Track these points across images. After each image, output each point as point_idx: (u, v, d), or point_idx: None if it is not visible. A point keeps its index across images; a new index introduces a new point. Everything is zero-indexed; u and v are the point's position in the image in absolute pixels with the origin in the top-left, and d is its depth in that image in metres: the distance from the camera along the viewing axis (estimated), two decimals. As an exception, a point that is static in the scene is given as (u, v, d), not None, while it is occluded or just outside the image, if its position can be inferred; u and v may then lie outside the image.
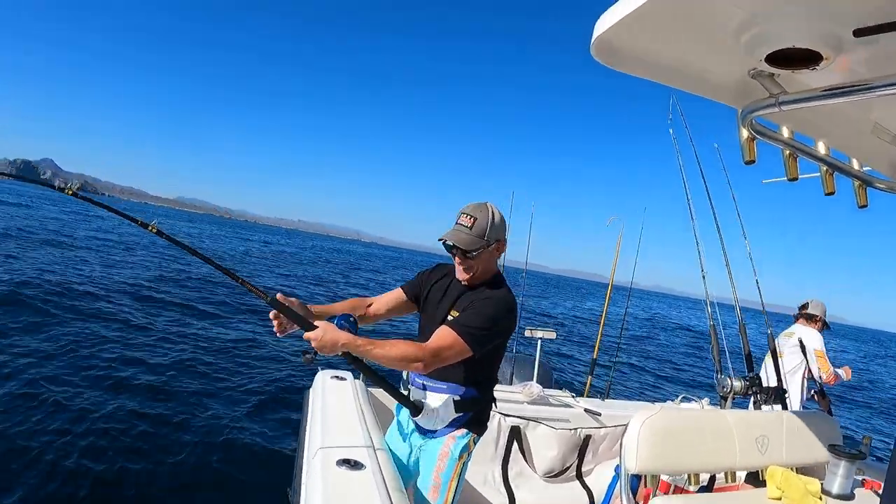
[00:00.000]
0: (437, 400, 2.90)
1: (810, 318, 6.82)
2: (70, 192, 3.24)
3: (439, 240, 2.82)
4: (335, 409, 3.14)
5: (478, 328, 2.67)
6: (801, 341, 6.66)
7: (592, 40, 1.36)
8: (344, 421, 2.97)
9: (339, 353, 2.65)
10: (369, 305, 3.15)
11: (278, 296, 2.78)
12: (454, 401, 2.86)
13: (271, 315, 2.76)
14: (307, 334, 2.61)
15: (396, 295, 3.17)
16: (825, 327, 6.92)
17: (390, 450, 2.94)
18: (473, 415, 2.90)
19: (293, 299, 2.83)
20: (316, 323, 2.67)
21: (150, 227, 3.13)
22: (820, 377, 6.56)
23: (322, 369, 3.95)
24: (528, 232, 8.26)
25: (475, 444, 2.93)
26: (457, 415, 2.87)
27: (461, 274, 2.89)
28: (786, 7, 1.21)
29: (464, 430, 2.88)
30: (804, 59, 1.36)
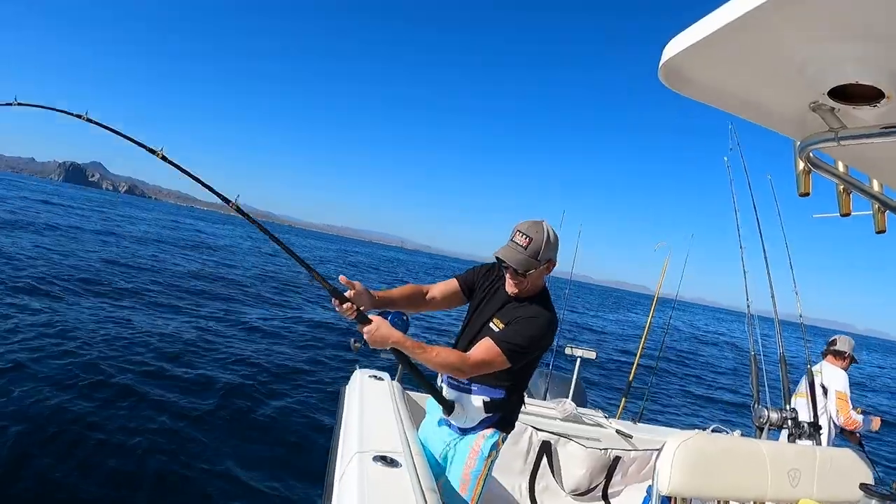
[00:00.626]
0: (469, 400, 3.00)
1: (838, 355, 6.73)
2: (84, 118, 3.38)
3: (494, 255, 2.91)
4: (372, 408, 3.19)
5: (519, 346, 2.78)
6: (823, 386, 6.54)
7: (660, 64, 1.38)
8: (381, 419, 3.02)
9: (388, 349, 2.81)
10: (426, 293, 3.25)
11: (341, 278, 2.89)
12: (484, 402, 2.95)
13: (335, 303, 2.88)
14: (362, 327, 2.79)
15: (451, 286, 3.26)
16: (853, 362, 6.84)
17: (423, 445, 3.03)
18: (503, 415, 3.00)
19: (356, 283, 2.93)
20: (371, 317, 2.82)
21: (157, 153, 3.26)
22: (838, 419, 6.45)
23: (360, 367, 4.01)
24: (574, 245, 8.27)
25: (503, 442, 3.04)
26: (487, 415, 2.96)
27: (510, 287, 2.95)
28: (852, 43, 1.22)
29: (493, 430, 2.98)
30: (866, 96, 1.37)
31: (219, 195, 3.25)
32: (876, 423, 6.75)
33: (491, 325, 2.92)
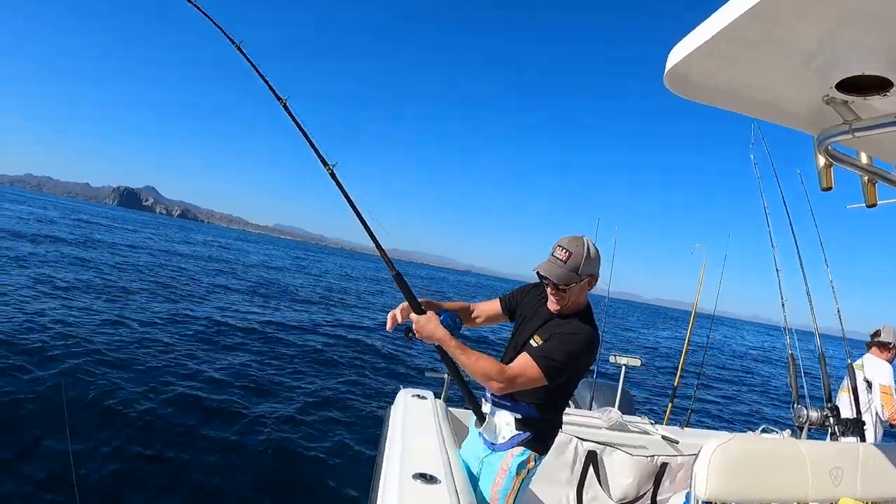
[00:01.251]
0: (501, 415, 3.01)
1: (883, 347, 6.47)
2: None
3: (534, 269, 2.92)
4: (415, 426, 3.22)
5: (557, 362, 2.75)
6: (866, 381, 6.33)
7: (665, 72, 1.39)
8: (422, 437, 3.05)
9: (434, 345, 2.92)
10: (472, 311, 3.34)
11: (421, 301, 3.05)
12: (516, 419, 2.95)
13: (390, 315, 3.03)
14: (414, 316, 2.93)
15: (494, 306, 3.33)
16: None
17: (463, 462, 3.04)
18: (533, 434, 2.95)
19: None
20: (427, 310, 2.95)
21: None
22: (883, 414, 6.24)
23: (403, 388, 4.05)
24: (611, 259, 8.24)
25: (535, 462, 2.97)
26: (517, 432, 2.95)
27: (552, 304, 2.95)
28: (853, 35, 1.23)
29: (522, 448, 2.93)
30: (875, 86, 1.37)
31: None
32: None
33: (532, 342, 2.90)
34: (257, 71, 3.53)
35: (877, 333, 6.62)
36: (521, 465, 2.93)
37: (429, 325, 2.87)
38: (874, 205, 2.04)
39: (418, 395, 3.86)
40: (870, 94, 1.40)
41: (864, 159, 1.94)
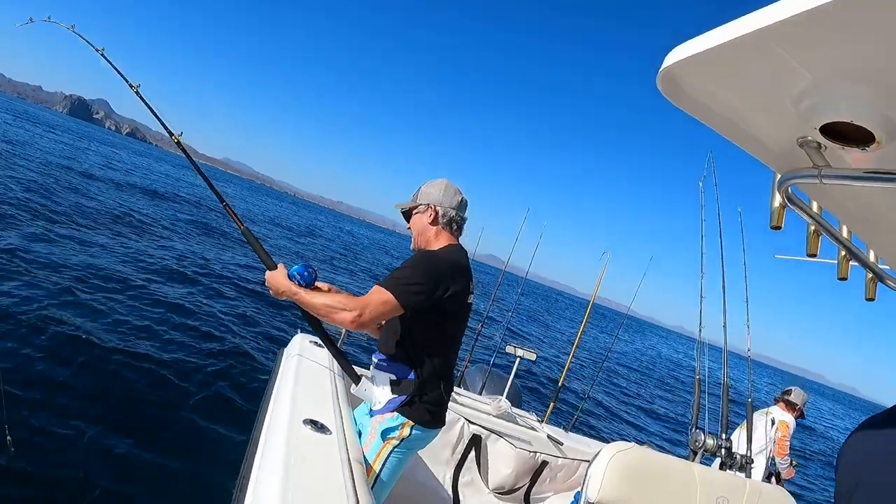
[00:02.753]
0: (379, 378, 2.97)
1: (789, 405, 7.04)
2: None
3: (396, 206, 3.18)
4: (308, 372, 3.14)
5: (399, 277, 2.78)
6: (773, 420, 6.80)
7: (660, 70, 1.36)
8: (316, 385, 2.98)
9: (283, 298, 2.87)
10: None
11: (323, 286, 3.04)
12: (391, 380, 2.91)
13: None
14: (267, 273, 2.92)
15: None
16: (801, 417, 7.13)
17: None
18: (409, 398, 2.88)
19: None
20: (278, 265, 2.95)
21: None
22: (775, 435, 6.75)
23: (301, 332, 3.95)
24: (536, 244, 8.36)
25: (412, 432, 2.89)
26: (391, 396, 2.90)
27: (412, 243, 3.13)
28: (854, 83, 1.21)
29: (395, 413, 2.87)
30: (856, 138, 1.36)
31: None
32: (790, 472, 7.03)
33: None
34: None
35: (787, 392, 7.23)
36: (389, 432, 2.86)
37: (274, 278, 2.87)
38: (814, 255, 2.05)
39: (315, 343, 3.76)
40: (850, 144, 1.39)
41: (815, 208, 1.95)
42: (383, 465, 2.87)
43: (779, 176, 1.72)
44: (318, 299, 2.75)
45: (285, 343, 3.86)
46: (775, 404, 7.13)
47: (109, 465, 4.98)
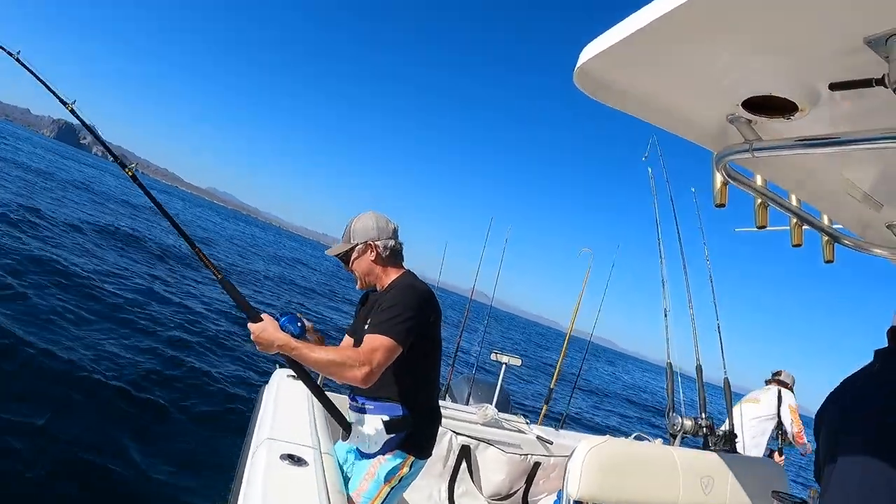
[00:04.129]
0: (369, 422, 2.84)
1: (783, 385, 7.15)
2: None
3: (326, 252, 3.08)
4: (287, 407, 3.13)
5: (390, 318, 2.66)
6: (779, 392, 6.90)
7: (575, 68, 1.37)
8: (294, 419, 2.96)
9: (277, 353, 2.65)
10: None
11: (308, 326, 3.01)
12: (384, 421, 2.78)
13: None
14: (250, 325, 2.66)
15: (347, 341, 3.17)
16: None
17: (337, 457, 2.92)
18: (407, 435, 2.80)
19: (316, 334, 3.07)
20: (262, 316, 2.71)
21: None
22: (792, 428, 6.84)
23: (280, 367, 3.94)
24: (502, 257, 8.30)
25: (412, 468, 2.84)
26: (389, 436, 2.78)
27: (357, 284, 3.05)
28: (766, 56, 1.23)
29: (396, 451, 2.80)
30: (781, 108, 1.38)
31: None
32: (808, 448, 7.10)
33: (366, 327, 2.79)
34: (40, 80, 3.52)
35: (778, 373, 7.41)
36: (392, 472, 2.79)
37: (265, 332, 2.62)
38: (764, 227, 2.08)
39: (293, 376, 3.75)
40: (774, 115, 1.41)
41: (759, 182, 1.98)
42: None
43: (715, 154, 1.75)
44: (322, 356, 2.56)
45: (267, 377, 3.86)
46: (768, 385, 7.27)
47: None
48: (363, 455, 2.89)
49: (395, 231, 3.05)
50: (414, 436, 2.84)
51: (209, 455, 6.20)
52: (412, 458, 2.83)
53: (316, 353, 2.57)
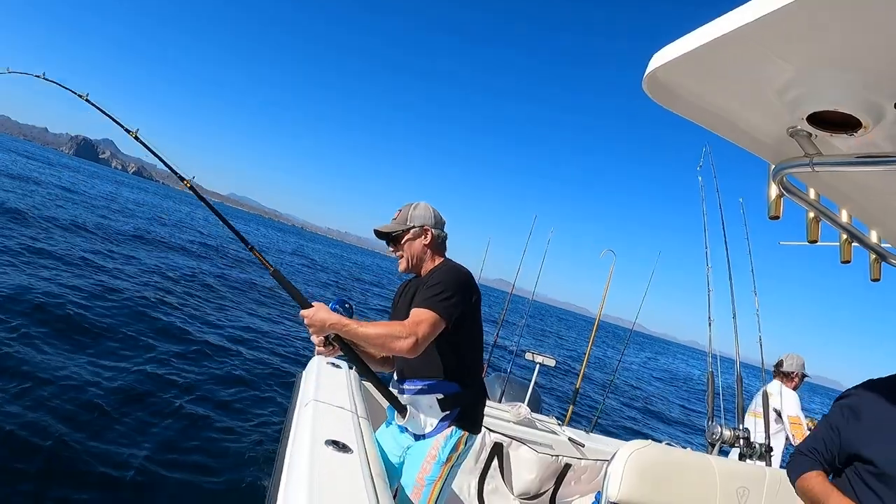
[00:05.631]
0: (422, 402, 2.96)
1: (786, 377, 6.45)
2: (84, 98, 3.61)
3: (373, 230, 3.19)
4: (327, 394, 3.16)
5: (435, 295, 2.80)
6: (776, 411, 6.42)
7: (645, 74, 1.39)
8: (335, 406, 3.00)
9: (330, 336, 2.91)
10: None
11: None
12: (438, 399, 2.90)
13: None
14: (302, 311, 2.85)
15: None
16: (802, 381, 6.55)
17: (380, 447, 2.97)
18: (461, 410, 2.91)
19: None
20: (312, 303, 2.89)
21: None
22: (794, 442, 6.38)
23: (318, 354, 3.98)
24: (543, 259, 8.29)
25: (466, 443, 2.93)
26: (444, 413, 2.90)
27: (400, 265, 3.13)
28: (834, 70, 1.24)
29: (453, 428, 2.89)
30: (844, 124, 1.39)
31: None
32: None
33: (411, 305, 2.92)
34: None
35: (780, 364, 6.65)
36: (453, 449, 2.87)
37: (318, 314, 2.82)
38: (815, 241, 2.08)
39: (332, 364, 3.79)
40: (838, 131, 1.42)
41: (812, 195, 1.98)
42: (443, 485, 2.89)
43: (773, 167, 1.76)
44: (371, 329, 2.73)
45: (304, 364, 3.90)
46: (773, 380, 6.72)
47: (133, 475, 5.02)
48: (418, 438, 2.98)
49: (444, 224, 3.19)
50: (466, 411, 2.94)
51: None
52: (466, 434, 2.92)
53: (365, 328, 2.74)
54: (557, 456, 4.69)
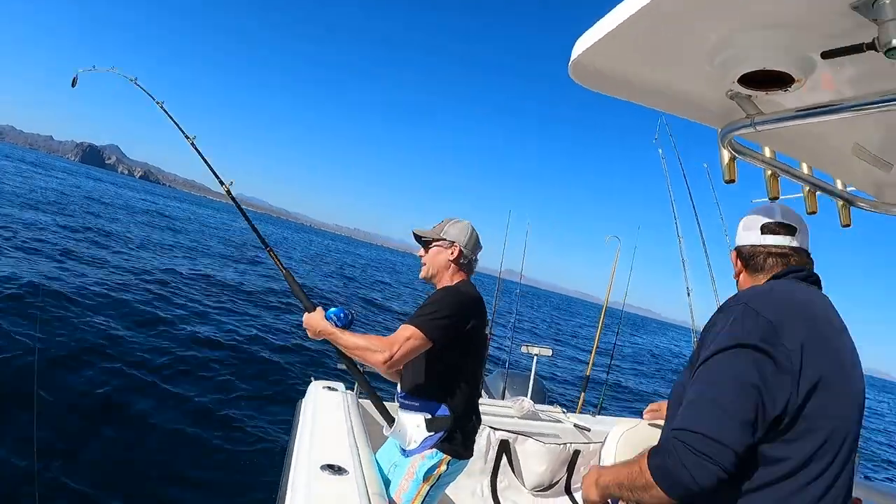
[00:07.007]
0: (409, 418, 2.94)
1: None
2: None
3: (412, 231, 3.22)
4: (324, 418, 3.17)
5: (427, 313, 2.77)
6: None
7: (570, 62, 1.39)
8: (331, 429, 3.00)
9: (320, 338, 2.96)
10: None
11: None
12: (426, 419, 2.88)
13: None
14: (304, 315, 3.01)
15: None
16: None
17: (378, 464, 2.96)
18: (446, 434, 2.86)
19: None
20: (317, 307, 3.04)
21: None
22: None
23: (315, 379, 3.99)
24: (524, 246, 8.31)
25: (449, 467, 2.88)
26: (428, 434, 2.87)
27: (421, 271, 3.14)
28: (755, 31, 1.25)
29: (434, 450, 2.85)
30: (776, 80, 1.39)
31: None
32: None
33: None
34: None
35: None
36: (430, 471, 2.84)
37: (311, 319, 2.95)
38: (776, 197, 2.09)
39: (329, 387, 3.80)
40: (772, 88, 1.42)
41: (767, 153, 1.99)
42: (423, 502, 2.87)
43: (719, 131, 1.77)
44: (352, 340, 2.80)
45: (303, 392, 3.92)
46: None
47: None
48: (405, 453, 2.95)
49: (477, 247, 3.18)
50: (452, 436, 2.89)
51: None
52: (448, 458, 2.87)
53: (347, 338, 2.82)
54: (565, 444, 4.67)
